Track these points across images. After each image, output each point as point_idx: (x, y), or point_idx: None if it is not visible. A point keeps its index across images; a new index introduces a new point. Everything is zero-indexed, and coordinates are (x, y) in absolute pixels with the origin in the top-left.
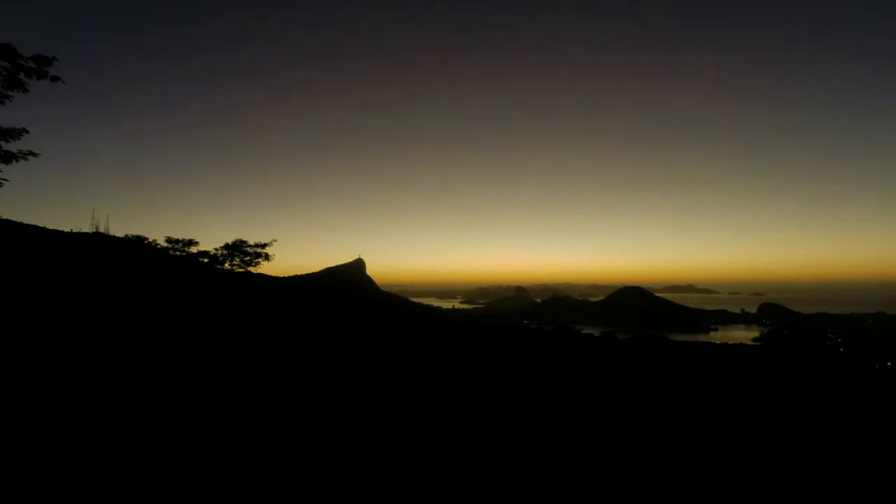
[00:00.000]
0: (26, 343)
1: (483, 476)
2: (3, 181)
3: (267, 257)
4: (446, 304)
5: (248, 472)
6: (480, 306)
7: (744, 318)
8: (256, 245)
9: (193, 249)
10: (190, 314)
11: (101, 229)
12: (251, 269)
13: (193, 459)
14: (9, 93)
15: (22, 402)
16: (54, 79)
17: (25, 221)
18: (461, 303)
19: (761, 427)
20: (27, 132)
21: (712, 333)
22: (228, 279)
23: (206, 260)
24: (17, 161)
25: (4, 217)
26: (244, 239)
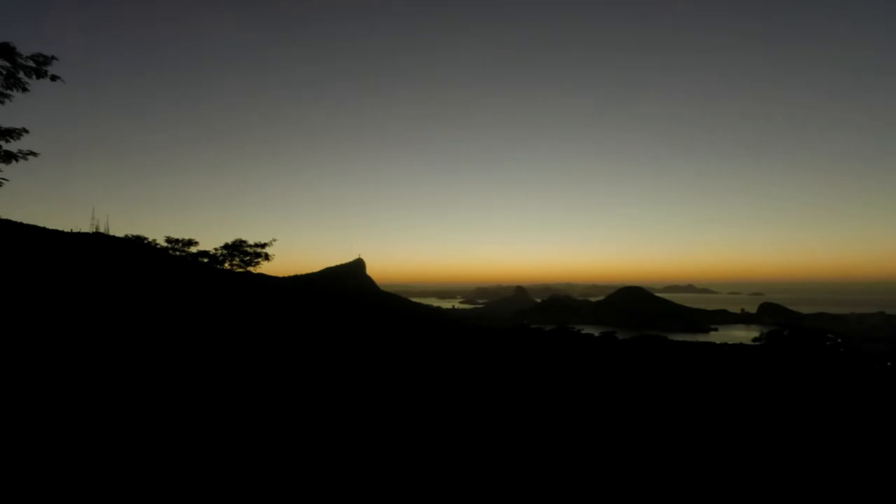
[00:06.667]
0: (27, 343)
1: (483, 476)
2: (3, 181)
3: (267, 257)
4: (446, 304)
5: (248, 473)
6: (480, 306)
7: (744, 318)
8: (256, 245)
9: (193, 249)
10: (190, 314)
11: (101, 229)
12: (251, 268)
13: (193, 460)
14: (9, 92)
15: (23, 402)
16: (54, 78)
17: (25, 221)
18: (461, 303)
19: (762, 426)
20: (27, 132)
21: (712, 333)
22: (228, 279)
23: (205, 260)
24: (17, 161)
25: (4, 217)
26: (244, 239)
